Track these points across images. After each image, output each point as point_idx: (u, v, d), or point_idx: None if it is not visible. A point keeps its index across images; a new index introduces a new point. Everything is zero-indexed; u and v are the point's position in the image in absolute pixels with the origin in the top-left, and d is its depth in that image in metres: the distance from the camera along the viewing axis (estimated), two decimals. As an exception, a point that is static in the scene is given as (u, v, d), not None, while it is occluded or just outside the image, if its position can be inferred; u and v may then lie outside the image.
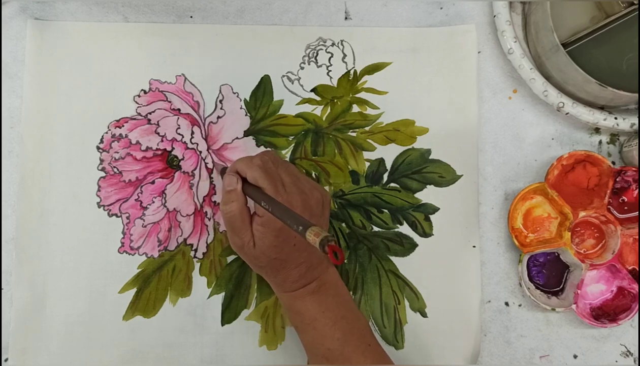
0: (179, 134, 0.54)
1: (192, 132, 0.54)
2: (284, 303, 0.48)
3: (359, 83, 0.55)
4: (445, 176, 0.54)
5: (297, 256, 0.45)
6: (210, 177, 0.53)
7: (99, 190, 0.53)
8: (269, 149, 0.53)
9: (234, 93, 0.54)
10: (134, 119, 0.54)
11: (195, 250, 0.53)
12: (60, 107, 0.53)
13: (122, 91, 0.54)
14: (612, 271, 0.53)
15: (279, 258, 0.45)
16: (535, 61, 0.55)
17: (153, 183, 0.53)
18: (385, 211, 0.54)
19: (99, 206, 0.53)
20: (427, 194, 0.54)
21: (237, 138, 0.54)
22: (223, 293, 0.52)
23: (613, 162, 0.55)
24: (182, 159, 0.53)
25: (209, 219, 0.53)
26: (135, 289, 0.52)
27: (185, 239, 0.53)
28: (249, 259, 0.47)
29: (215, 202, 0.53)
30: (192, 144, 0.54)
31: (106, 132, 0.53)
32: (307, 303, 0.46)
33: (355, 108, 0.55)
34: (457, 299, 0.53)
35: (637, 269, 0.53)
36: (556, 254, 0.54)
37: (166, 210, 0.53)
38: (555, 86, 0.53)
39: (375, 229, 0.54)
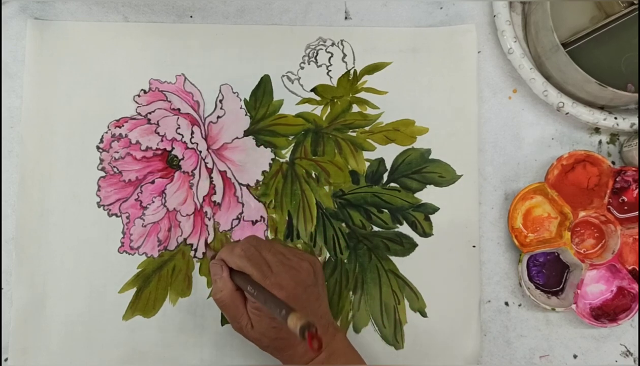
0: (179, 133, 0.54)
1: (192, 132, 0.54)
2: None
3: (359, 83, 0.55)
4: (445, 176, 0.54)
5: None
6: (210, 177, 0.53)
7: (98, 190, 0.53)
8: (250, 235, 0.51)
9: (234, 93, 0.54)
10: (134, 118, 0.54)
11: (195, 250, 0.53)
12: (60, 107, 0.53)
13: (122, 90, 0.54)
14: (612, 271, 0.53)
15: (280, 337, 0.45)
16: (535, 60, 0.55)
17: (153, 182, 0.53)
18: (385, 211, 0.54)
19: (99, 206, 0.53)
20: (427, 194, 0.54)
21: (237, 138, 0.54)
22: (223, 293, 0.52)
23: (613, 162, 0.55)
24: (182, 159, 0.53)
25: (209, 219, 0.53)
26: (135, 289, 0.52)
27: (185, 239, 0.53)
28: (252, 341, 0.46)
29: (215, 202, 0.53)
30: (192, 143, 0.54)
31: (106, 132, 0.54)
32: None
33: (355, 108, 0.55)
34: (457, 299, 0.53)
35: (637, 269, 0.53)
36: (556, 254, 0.54)
37: (166, 210, 0.53)
38: (555, 86, 0.53)
39: (375, 229, 0.54)
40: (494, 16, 0.54)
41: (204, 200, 0.53)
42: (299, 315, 0.35)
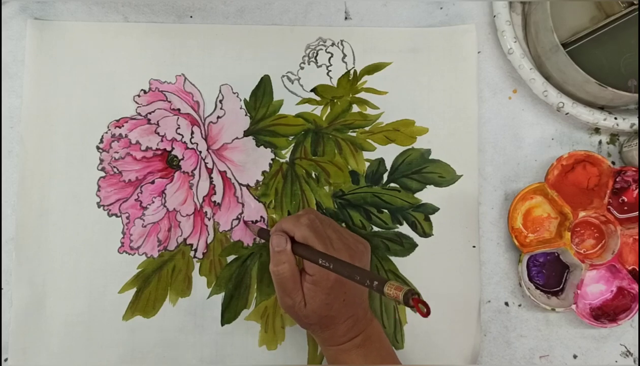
0: (179, 134, 0.54)
1: (192, 132, 0.54)
2: (328, 356, 0.48)
3: (358, 83, 0.55)
4: (445, 176, 0.54)
5: (346, 311, 0.45)
6: (210, 177, 0.53)
7: (98, 190, 0.53)
8: (309, 207, 0.53)
9: (234, 93, 0.54)
10: (134, 119, 0.54)
11: (195, 250, 0.53)
12: (60, 107, 0.53)
13: (122, 90, 0.54)
14: (612, 271, 0.53)
15: (329, 315, 0.45)
16: (535, 60, 0.55)
17: (153, 182, 0.53)
18: (385, 211, 0.54)
19: (99, 206, 0.53)
20: (427, 194, 0.54)
21: (236, 138, 0.54)
22: (223, 293, 0.52)
23: (613, 162, 0.55)
24: (182, 159, 0.53)
25: (209, 219, 0.53)
26: (135, 289, 0.52)
27: (185, 239, 0.53)
28: (299, 318, 0.46)
29: (215, 202, 0.53)
30: (192, 144, 0.54)
31: (106, 132, 0.54)
32: (352, 357, 0.46)
33: (355, 108, 0.55)
34: (457, 299, 0.53)
35: (637, 269, 0.53)
36: (556, 254, 0.54)
37: (166, 210, 0.53)
38: (555, 86, 0.53)
39: (375, 229, 0.54)
40: (494, 16, 0.54)
41: (204, 200, 0.53)
42: (396, 282, 0.34)
